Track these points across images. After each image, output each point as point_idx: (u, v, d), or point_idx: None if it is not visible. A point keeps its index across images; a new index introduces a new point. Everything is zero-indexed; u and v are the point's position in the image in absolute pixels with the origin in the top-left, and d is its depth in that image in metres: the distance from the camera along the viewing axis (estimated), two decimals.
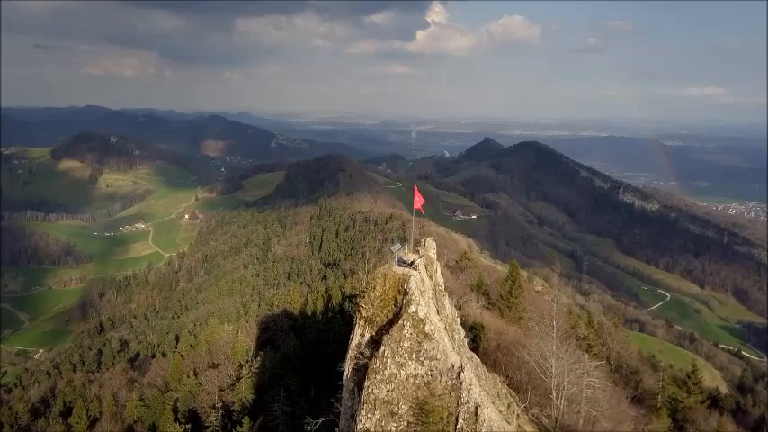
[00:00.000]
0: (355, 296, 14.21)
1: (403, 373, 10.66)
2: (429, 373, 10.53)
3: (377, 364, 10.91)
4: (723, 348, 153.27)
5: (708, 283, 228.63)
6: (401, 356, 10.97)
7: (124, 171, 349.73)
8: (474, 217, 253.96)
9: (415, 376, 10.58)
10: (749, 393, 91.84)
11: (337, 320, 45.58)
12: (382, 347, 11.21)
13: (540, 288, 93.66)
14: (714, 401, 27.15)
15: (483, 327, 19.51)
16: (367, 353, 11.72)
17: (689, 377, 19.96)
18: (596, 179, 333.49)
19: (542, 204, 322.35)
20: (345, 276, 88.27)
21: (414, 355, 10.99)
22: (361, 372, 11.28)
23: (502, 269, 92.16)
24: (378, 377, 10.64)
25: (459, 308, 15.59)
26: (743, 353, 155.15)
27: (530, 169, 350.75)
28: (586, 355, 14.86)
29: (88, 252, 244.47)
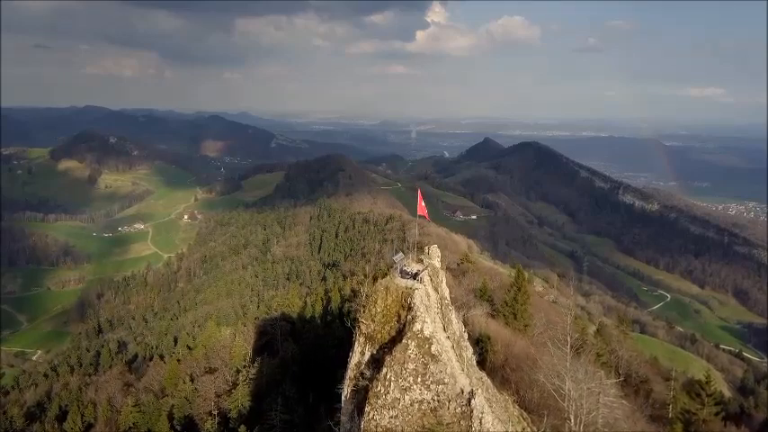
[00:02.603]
0: (355, 311, 13.34)
1: (407, 398, 9.77)
2: (436, 398, 9.64)
3: (378, 387, 10.01)
4: (724, 349, 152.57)
5: (708, 284, 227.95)
6: (405, 380, 10.09)
7: (123, 171, 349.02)
8: (474, 217, 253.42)
9: (421, 402, 9.70)
10: (751, 395, 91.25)
11: (336, 325, 44.77)
12: (384, 369, 10.32)
13: (540, 289, 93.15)
14: (728, 413, 26.29)
15: (489, 338, 18.66)
16: (368, 373, 10.83)
17: (702, 388, 19.12)
18: (596, 179, 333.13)
19: (542, 204, 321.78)
20: (345, 278, 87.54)
21: (419, 379, 10.10)
22: (362, 394, 10.40)
23: (503, 271, 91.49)
24: (379, 402, 9.76)
25: (464, 321, 14.76)
26: (744, 354, 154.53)
27: (530, 169, 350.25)
28: (602, 371, 14.08)
29: (87, 253, 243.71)
